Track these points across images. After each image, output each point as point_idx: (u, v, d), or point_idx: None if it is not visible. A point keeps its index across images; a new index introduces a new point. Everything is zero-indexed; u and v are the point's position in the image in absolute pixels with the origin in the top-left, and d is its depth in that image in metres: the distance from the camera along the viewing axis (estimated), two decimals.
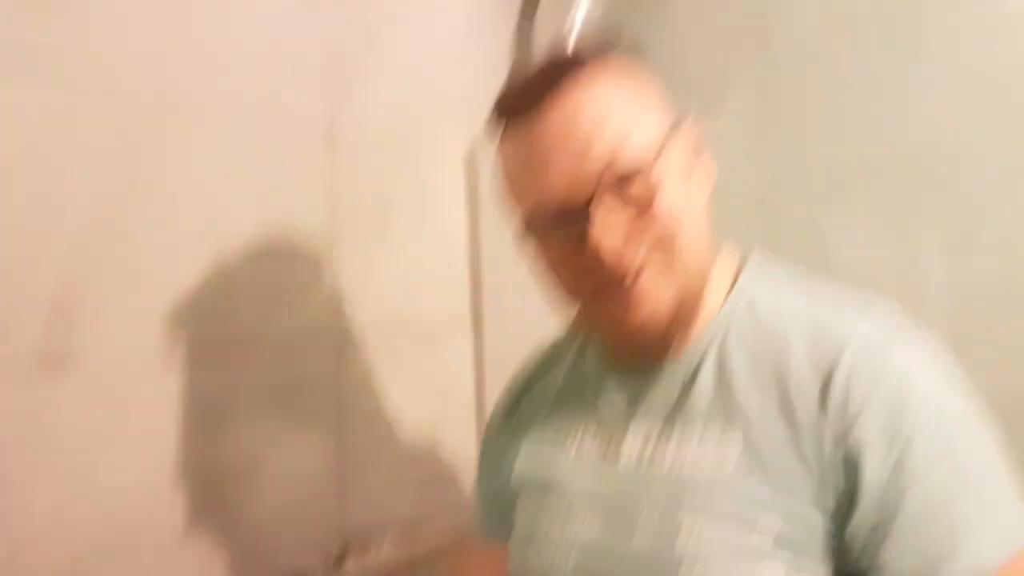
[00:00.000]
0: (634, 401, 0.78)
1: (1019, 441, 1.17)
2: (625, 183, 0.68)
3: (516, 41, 1.67)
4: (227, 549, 1.11)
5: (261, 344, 1.17)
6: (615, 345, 0.81)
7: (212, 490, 1.10)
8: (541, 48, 1.56)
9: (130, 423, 1.02)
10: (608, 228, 0.68)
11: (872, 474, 0.64)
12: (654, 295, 0.71)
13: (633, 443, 0.76)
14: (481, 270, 1.55)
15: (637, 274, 0.70)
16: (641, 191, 0.68)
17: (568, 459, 0.81)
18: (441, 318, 1.48)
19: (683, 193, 0.72)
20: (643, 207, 0.68)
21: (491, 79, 1.57)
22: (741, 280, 0.78)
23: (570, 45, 0.79)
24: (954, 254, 1.32)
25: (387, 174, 1.38)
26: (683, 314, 0.74)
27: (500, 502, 0.90)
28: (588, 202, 0.68)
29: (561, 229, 0.70)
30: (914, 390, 0.66)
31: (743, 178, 1.54)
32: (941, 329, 1.24)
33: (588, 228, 0.68)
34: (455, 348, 1.51)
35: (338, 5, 1.31)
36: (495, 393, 0.99)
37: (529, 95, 0.70)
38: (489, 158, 1.27)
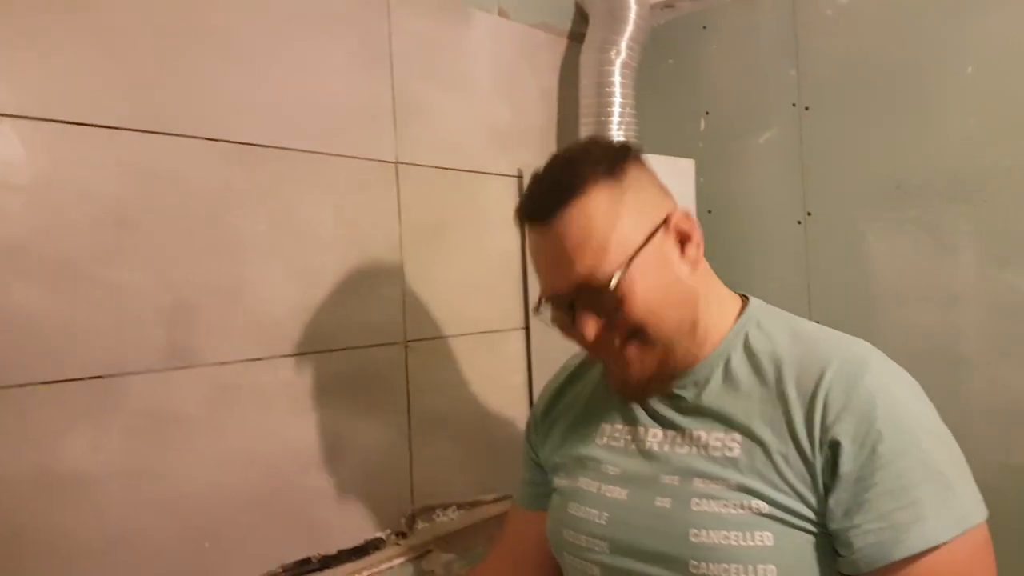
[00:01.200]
0: (653, 407, 0.98)
1: None
2: (600, 292, 0.88)
3: (562, 71, 1.89)
4: (317, 513, 1.36)
5: (343, 342, 1.40)
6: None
7: (305, 464, 1.35)
8: (588, 76, 1.74)
9: (239, 407, 1.27)
10: (586, 320, 0.89)
11: (849, 461, 0.81)
12: (637, 363, 0.92)
13: (655, 435, 0.96)
14: (530, 280, 1.75)
15: (620, 348, 0.91)
16: (610, 300, 0.88)
17: (600, 445, 1.02)
18: (496, 322, 1.70)
19: (659, 285, 0.89)
20: (615, 309, 0.88)
21: (537, 108, 1.82)
22: (744, 316, 0.97)
23: (574, 156, 0.94)
24: (988, 267, 1.44)
25: (447, 198, 1.61)
26: (677, 360, 0.93)
27: (538, 481, 1.12)
28: (574, 298, 0.89)
29: (560, 310, 0.93)
30: (881, 401, 0.83)
31: (786, 193, 1.70)
32: (976, 338, 1.44)
33: (575, 316, 0.90)
34: (508, 347, 1.73)
35: (400, 55, 1.52)
36: (542, 386, 1.17)
37: (538, 209, 0.90)
38: None
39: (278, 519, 1.30)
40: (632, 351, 0.91)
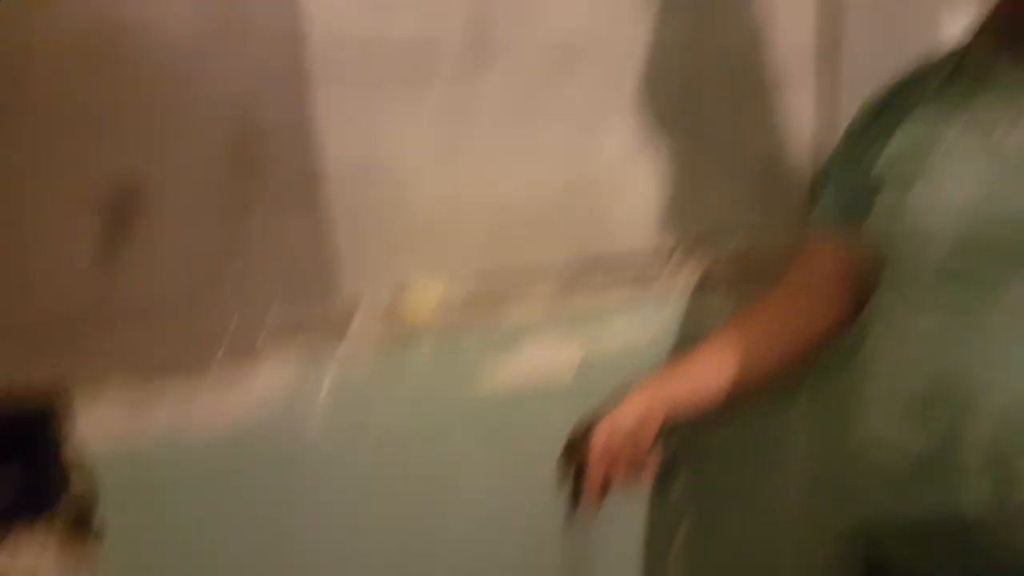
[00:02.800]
0: (1018, 102, 0.83)
1: None
2: None
3: None
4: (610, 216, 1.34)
5: None
6: None
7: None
8: None
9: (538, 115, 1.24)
10: None
11: None
12: None
13: (1015, 132, 0.82)
14: None
15: None
16: None
17: (943, 144, 0.88)
18: (780, 55, 1.46)
19: None
20: None
21: None
22: None
23: None
24: None
25: None
26: None
27: (854, 195, 1.00)
28: None
29: None
30: None
31: None
32: None
33: None
34: (794, 92, 1.51)
35: None
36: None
37: None
38: None
39: (574, 216, 1.31)
40: None
